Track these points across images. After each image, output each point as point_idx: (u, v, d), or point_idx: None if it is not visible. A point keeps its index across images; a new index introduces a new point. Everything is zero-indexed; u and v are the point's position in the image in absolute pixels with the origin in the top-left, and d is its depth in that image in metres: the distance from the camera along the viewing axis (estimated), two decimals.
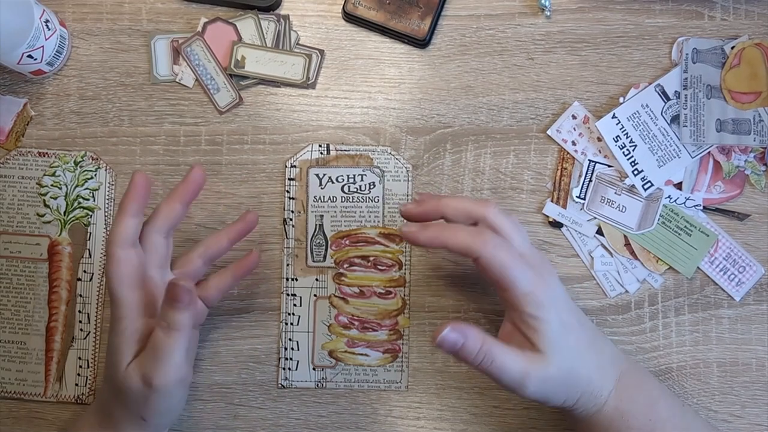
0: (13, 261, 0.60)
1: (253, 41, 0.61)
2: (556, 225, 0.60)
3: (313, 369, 0.59)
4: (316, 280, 0.60)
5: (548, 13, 0.61)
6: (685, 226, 0.59)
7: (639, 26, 0.61)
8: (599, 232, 0.59)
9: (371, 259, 0.60)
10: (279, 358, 0.59)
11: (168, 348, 0.48)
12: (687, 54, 0.60)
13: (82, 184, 0.60)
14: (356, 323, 0.59)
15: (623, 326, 0.59)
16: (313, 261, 0.60)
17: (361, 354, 0.59)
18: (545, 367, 0.48)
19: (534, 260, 0.49)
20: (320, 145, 0.60)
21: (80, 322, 0.60)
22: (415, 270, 0.60)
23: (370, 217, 0.60)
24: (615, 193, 0.59)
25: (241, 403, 0.59)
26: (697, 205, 0.59)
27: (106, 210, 0.60)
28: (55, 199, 0.60)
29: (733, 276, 0.59)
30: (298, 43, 0.61)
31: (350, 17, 0.61)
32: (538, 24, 0.61)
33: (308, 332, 0.59)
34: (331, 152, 0.60)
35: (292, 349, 0.59)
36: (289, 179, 0.60)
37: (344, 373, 0.59)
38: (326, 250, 0.60)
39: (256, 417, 0.59)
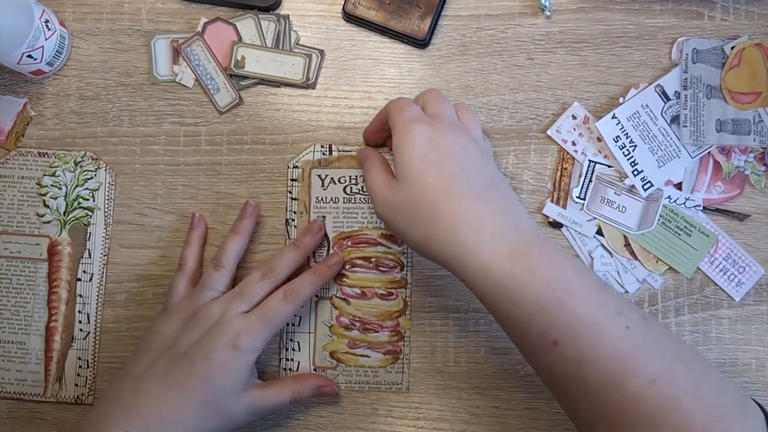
0: (13, 261, 0.60)
1: (253, 41, 0.61)
2: (556, 225, 0.60)
3: (314, 370, 0.59)
4: None
5: (548, 13, 0.61)
6: (685, 227, 0.59)
7: (639, 26, 0.61)
8: (599, 232, 0.59)
9: (373, 260, 0.60)
10: (279, 359, 0.59)
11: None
12: (687, 54, 0.60)
13: (82, 184, 0.60)
14: (357, 324, 0.59)
15: None
16: (315, 262, 0.60)
17: (362, 355, 0.59)
18: (393, 190, 0.51)
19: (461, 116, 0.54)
20: (323, 146, 0.60)
21: (80, 322, 0.59)
22: (417, 271, 0.60)
23: (372, 218, 0.60)
24: (615, 193, 0.59)
25: None
26: (697, 206, 0.59)
27: (106, 210, 0.60)
28: (55, 199, 0.60)
29: (732, 276, 0.59)
30: (298, 43, 0.61)
31: (350, 17, 0.61)
32: (538, 24, 0.61)
33: (309, 333, 0.59)
34: (333, 153, 0.60)
35: (293, 349, 0.59)
36: (292, 180, 0.60)
37: (345, 374, 0.59)
38: (328, 250, 0.60)
39: None
